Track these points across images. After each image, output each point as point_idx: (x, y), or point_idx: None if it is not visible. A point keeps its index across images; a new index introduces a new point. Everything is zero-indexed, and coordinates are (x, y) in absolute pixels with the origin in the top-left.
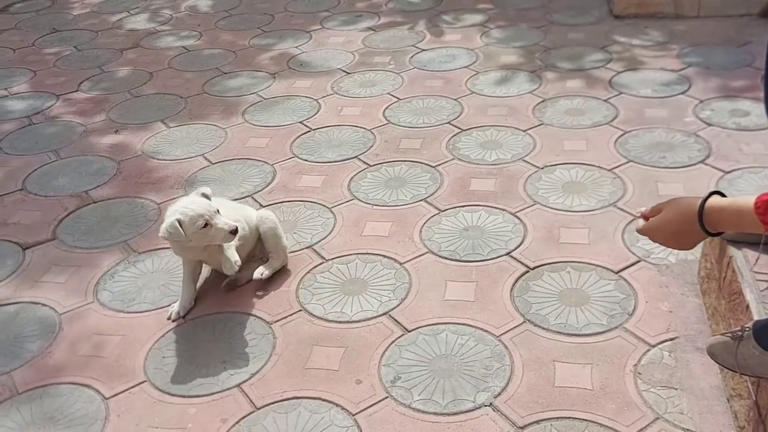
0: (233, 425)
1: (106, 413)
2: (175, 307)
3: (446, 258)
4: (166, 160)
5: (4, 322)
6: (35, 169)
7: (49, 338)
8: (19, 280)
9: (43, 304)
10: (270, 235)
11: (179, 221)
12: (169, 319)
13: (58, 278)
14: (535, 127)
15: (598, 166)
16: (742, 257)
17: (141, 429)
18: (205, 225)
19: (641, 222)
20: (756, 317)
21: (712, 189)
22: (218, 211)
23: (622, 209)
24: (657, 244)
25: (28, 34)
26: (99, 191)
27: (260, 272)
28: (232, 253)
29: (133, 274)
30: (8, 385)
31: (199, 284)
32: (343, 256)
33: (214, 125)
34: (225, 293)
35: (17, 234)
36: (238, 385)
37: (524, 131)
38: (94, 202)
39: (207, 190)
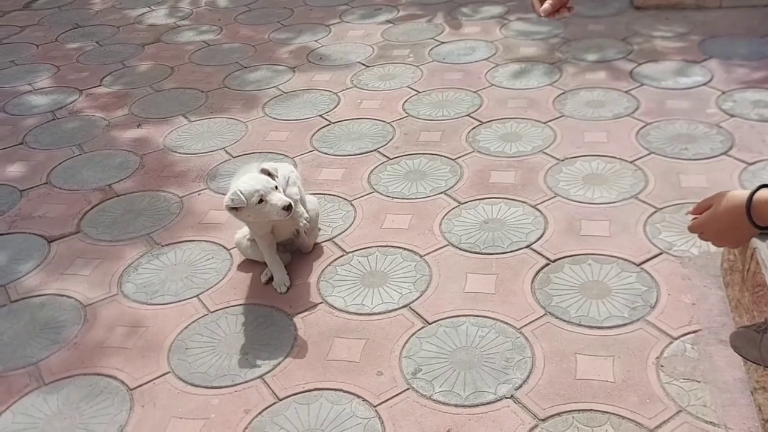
0: (256, 416)
1: (130, 404)
2: (278, 284)
3: (466, 250)
4: (187, 153)
5: (31, 314)
6: (59, 163)
7: (74, 330)
8: (45, 273)
9: (69, 296)
10: (314, 216)
11: (240, 191)
12: (279, 292)
13: (82, 271)
14: (556, 119)
15: (619, 158)
16: (766, 249)
17: (165, 419)
18: (260, 201)
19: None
20: None
21: (736, 181)
22: (277, 187)
23: (643, 201)
24: (690, 236)
25: (50, 30)
26: (122, 185)
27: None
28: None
29: (156, 266)
30: (35, 376)
31: (230, 275)
32: (363, 248)
33: (235, 119)
34: (253, 285)
35: (42, 227)
36: (261, 377)
37: (544, 123)
38: (118, 196)
39: (270, 165)
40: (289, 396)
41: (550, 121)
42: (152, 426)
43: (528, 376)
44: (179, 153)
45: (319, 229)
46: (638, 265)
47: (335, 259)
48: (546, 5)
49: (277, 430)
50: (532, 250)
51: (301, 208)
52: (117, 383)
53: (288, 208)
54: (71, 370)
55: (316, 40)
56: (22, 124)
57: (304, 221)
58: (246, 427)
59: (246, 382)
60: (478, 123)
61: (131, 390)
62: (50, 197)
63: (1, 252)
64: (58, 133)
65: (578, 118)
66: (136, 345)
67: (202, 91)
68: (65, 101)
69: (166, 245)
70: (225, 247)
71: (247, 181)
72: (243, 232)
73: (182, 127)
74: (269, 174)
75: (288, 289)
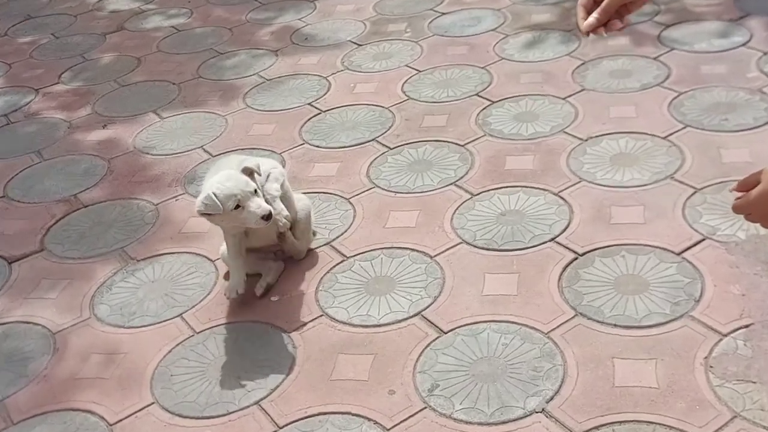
0: None
1: None
2: (230, 288)
3: (483, 248)
4: (161, 155)
5: None
6: (17, 173)
7: (43, 360)
8: (7, 298)
9: (35, 323)
10: (304, 217)
11: (215, 195)
12: (226, 296)
13: (49, 293)
14: (576, 93)
15: (651, 134)
16: None
17: None
18: (237, 206)
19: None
20: None
21: None
22: (257, 190)
23: (680, 182)
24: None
25: None
26: (89, 194)
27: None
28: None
29: (132, 284)
30: (2, 415)
31: (216, 289)
32: (365, 252)
33: (213, 113)
34: (243, 300)
35: (1, 246)
36: (257, 403)
37: (563, 99)
38: (85, 207)
39: (255, 162)
40: (291, 423)
41: (570, 96)
42: None
43: (560, 387)
44: (151, 155)
45: (314, 233)
46: (678, 254)
47: (334, 266)
48: (590, 20)
49: None
50: (557, 243)
51: (279, 205)
52: (95, 419)
53: (267, 217)
54: (42, 407)
55: (300, 19)
56: None
57: (283, 220)
58: None
59: (241, 409)
60: (488, 102)
61: (111, 425)
62: (8, 212)
63: None
64: (13, 138)
65: (601, 91)
66: (114, 374)
67: (173, 84)
68: (20, 103)
69: (142, 260)
70: (209, 259)
71: (223, 182)
72: None
73: (153, 126)
74: (250, 173)
75: (239, 294)
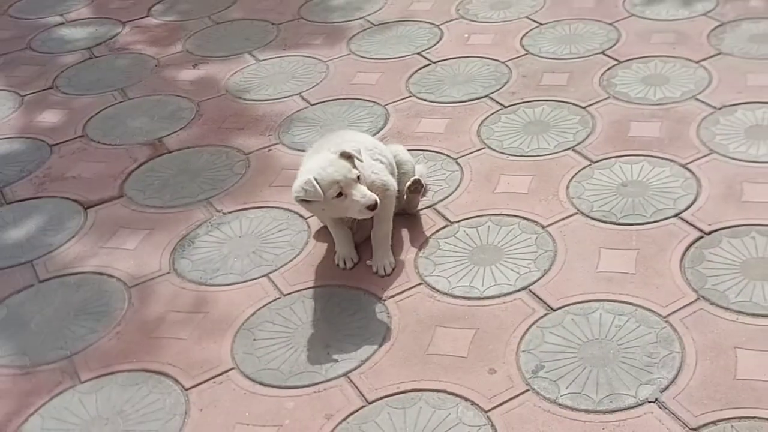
0: (340, 422)
1: (186, 407)
2: (340, 257)
3: (599, 220)
4: (255, 100)
5: (64, 297)
6: (98, 112)
7: (116, 316)
8: (81, 246)
9: (110, 275)
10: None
11: (316, 181)
12: (338, 266)
13: (126, 243)
14: (711, 57)
15: None
16: None
17: (228, 426)
18: (339, 194)
19: None
20: None
21: None
22: (359, 177)
23: None
24: None
25: None
26: (175, 138)
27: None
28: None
29: (217, 238)
30: (69, 372)
31: (307, 249)
32: (472, 217)
33: (314, 57)
34: (331, 264)
35: (77, 190)
36: (346, 374)
37: (697, 63)
38: (170, 152)
39: (353, 148)
40: (381, 398)
41: (704, 60)
42: None
43: (676, 376)
44: (245, 99)
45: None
46: None
47: (437, 231)
48: None
49: None
50: (682, 219)
51: (389, 179)
52: (169, 381)
53: (373, 207)
54: (112, 366)
55: None
56: (53, 64)
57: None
58: None
59: (327, 381)
60: (614, 62)
61: (187, 390)
62: (87, 154)
63: (27, 220)
64: (96, 74)
65: (739, 56)
66: (193, 335)
67: (273, 24)
68: (105, 35)
69: (229, 213)
70: (300, 215)
71: (324, 167)
72: None
73: (249, 68)
74: (349, 157)
75: (355, 265)
